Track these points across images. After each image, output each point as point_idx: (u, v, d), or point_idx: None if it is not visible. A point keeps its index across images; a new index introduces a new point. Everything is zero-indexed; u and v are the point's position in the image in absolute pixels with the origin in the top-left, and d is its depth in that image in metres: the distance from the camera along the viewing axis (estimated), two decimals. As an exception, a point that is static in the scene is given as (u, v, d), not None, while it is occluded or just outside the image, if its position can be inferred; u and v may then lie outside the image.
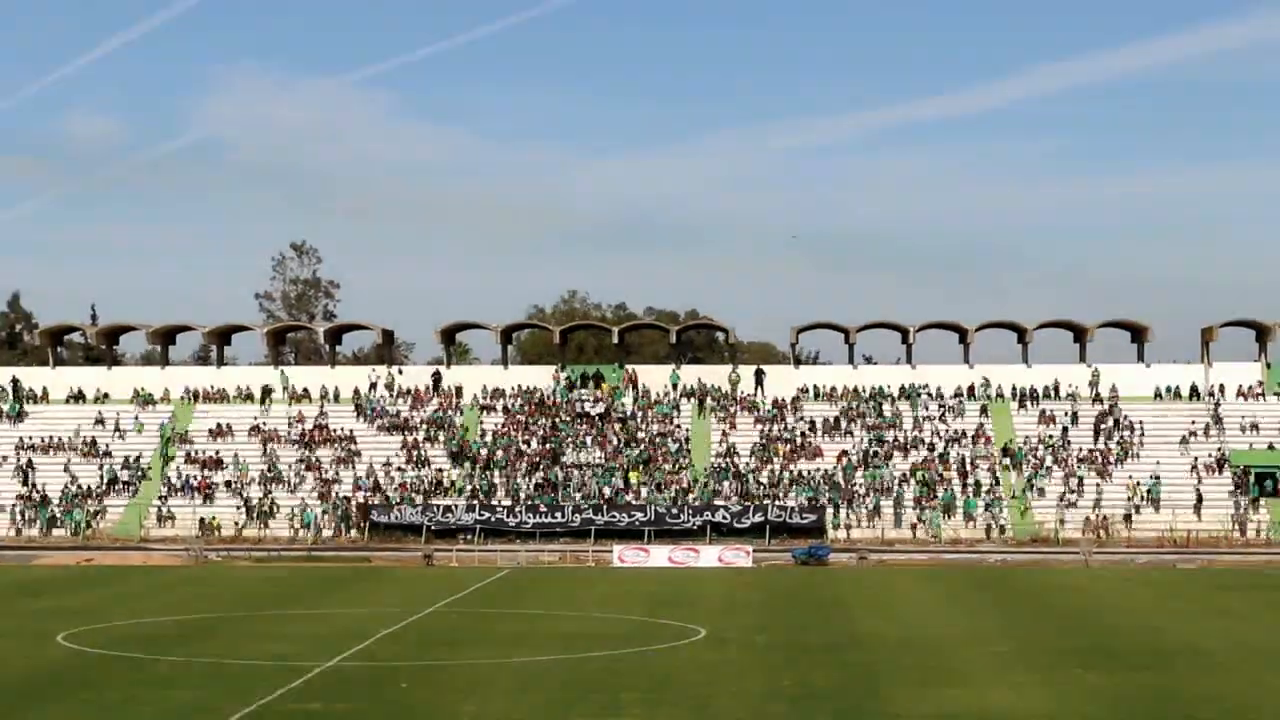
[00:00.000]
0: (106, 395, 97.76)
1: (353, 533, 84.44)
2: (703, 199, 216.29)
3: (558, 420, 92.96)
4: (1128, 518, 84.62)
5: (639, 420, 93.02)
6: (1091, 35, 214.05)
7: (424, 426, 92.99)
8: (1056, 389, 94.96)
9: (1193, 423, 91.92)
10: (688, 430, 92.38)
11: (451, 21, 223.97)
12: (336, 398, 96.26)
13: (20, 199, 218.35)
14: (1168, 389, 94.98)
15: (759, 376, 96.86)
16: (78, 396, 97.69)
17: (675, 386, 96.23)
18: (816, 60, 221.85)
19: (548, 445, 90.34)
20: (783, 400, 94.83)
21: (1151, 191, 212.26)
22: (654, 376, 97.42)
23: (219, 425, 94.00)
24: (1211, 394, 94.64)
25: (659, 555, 75.87)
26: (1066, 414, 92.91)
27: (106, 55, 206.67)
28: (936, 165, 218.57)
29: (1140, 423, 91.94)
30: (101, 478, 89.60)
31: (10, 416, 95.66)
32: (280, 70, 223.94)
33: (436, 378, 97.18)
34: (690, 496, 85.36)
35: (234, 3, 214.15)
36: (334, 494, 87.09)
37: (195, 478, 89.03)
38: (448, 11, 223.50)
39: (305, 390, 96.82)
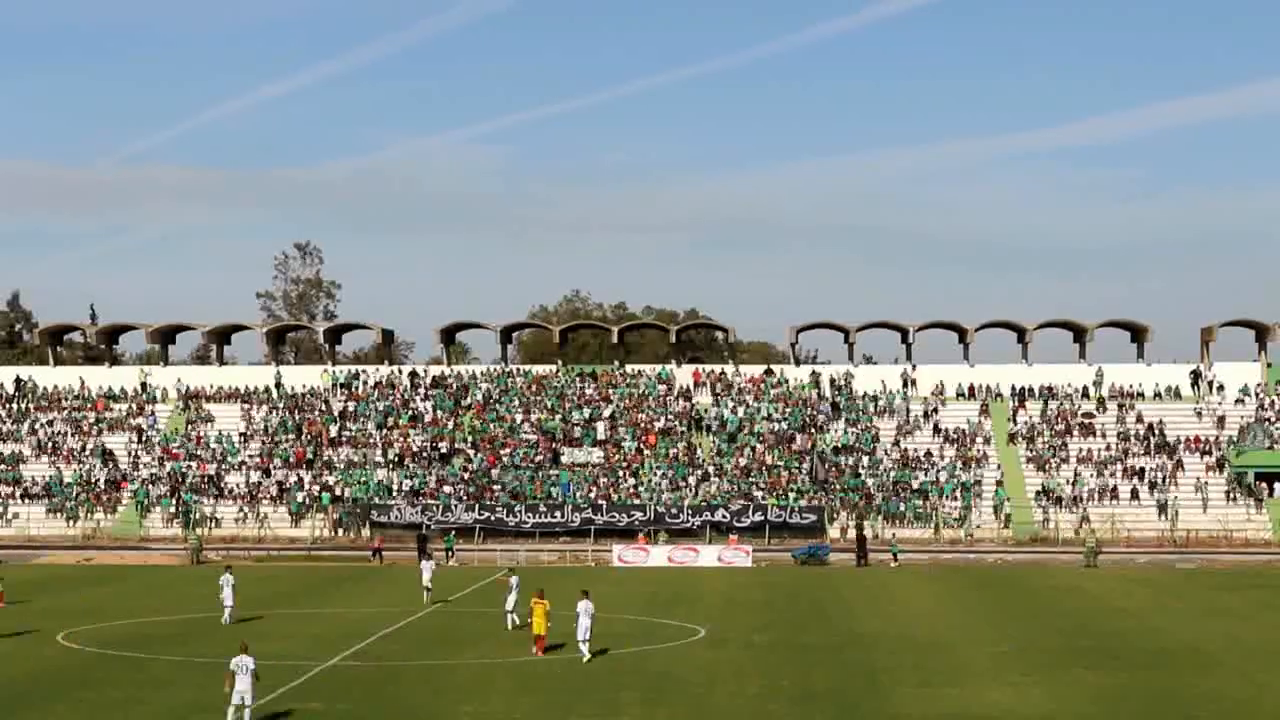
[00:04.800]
0: (106, 395, 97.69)
1: (352, 533, 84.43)
2: (710, 200, 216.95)
3: (559, 418, 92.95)
4: (1128, 517, 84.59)
5: (640, 419, 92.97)
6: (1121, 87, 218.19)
7: (424, 426, 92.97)
8: (1054, 390, 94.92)
9: (1192, 422, 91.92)
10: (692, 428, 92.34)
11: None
12: (335, 398, 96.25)
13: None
14: (1168, 389, 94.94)
15: (768, 375, 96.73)
16: (77, 396, 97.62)
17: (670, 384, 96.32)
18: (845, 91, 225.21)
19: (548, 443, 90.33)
20: (787, 399, 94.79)
21: (1183, 215, 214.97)
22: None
23: (219, 424, 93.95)
24: (1211, 394, 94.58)
25: (659, 555, 75.80)
26: (1066, 414, 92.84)
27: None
28: (956, 178, 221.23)
29: (1140, 423, 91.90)
30: (101, 476, 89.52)
31: (13, 415, 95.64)
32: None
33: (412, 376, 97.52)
34: (690, 496, 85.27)
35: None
36: (333, 493, 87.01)
37: (194, 477, 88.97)
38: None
39: (309, 388, 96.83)
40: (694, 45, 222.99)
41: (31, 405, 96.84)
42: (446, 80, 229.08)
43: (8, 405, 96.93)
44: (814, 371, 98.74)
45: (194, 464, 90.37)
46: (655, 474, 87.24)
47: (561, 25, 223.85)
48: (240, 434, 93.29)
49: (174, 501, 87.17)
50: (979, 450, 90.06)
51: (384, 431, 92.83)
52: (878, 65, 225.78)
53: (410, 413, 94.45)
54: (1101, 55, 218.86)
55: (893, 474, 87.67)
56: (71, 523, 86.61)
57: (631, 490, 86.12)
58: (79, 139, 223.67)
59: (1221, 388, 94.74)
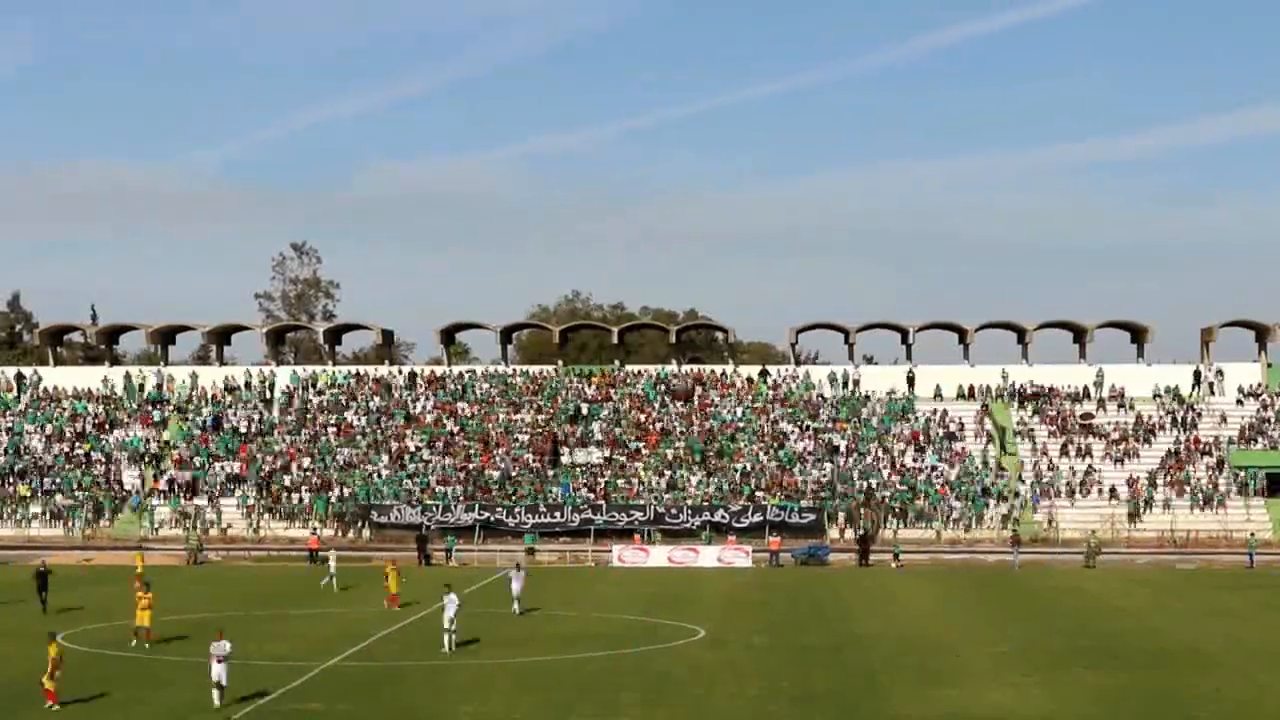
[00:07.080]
0: (106, 395, 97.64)
1: (351, 533, 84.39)
2: (707, 198, 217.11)
3: (559, 418, 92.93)
4: (1130, 517, 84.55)
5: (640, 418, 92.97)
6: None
7: (424, 426, 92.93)
8: (1054, 390, 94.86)
9: (1193, 423, 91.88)
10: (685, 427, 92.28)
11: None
12: (334, 396, 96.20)
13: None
14: (1168, 389, 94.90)
15: (763, 376, 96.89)
16: (77, 395, 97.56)
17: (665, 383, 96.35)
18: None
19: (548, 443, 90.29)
20: (786, 399, 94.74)
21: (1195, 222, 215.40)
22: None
23: (219, 423, 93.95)
24: (1211, 394, 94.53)
25: (659, 555, 75.80)
26: (1066, 414, 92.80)
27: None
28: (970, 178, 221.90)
29: (1140, 423, 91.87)
30: (101, 476, 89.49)
31: (14, 414, 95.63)
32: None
33: (421, 376, 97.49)
34: (691, 496, 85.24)
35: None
36: (333, 492, 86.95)
37: (194, 477, 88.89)
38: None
39: (309, 388, 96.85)
40: (701, 74, 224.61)
41: (29, 400, 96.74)
42: (454, 105, 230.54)
43: (7, 404, 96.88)
44: (809, 371, 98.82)
45: (193, 464, 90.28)
46: (655, 474, 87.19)
47: (566, 48, 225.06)
48: (240, 434, 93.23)
49: (174, 500, 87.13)
50: (979, 450, 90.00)
51: (383, 432, 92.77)
52: (881, 80, 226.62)
53: (409, 412, 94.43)
54: (1102, 66, 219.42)
55: (892, 474, 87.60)
56: (72, 523, 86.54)
57: (633, 491, 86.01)
58: (84, 144, 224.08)
59: (1222, 388, 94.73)
